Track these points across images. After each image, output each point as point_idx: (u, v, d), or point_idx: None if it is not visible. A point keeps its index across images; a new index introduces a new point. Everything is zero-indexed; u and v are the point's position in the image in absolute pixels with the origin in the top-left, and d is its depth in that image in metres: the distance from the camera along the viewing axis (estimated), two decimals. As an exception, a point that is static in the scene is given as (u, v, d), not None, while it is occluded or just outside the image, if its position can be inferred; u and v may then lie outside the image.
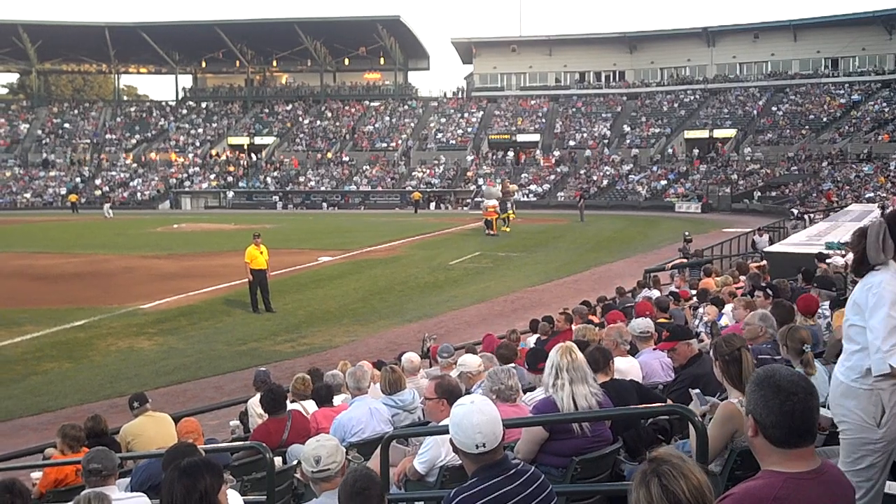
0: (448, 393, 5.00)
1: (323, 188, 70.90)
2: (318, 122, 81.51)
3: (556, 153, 71.77)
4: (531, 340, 12.03)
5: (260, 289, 20.63)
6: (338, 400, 8.03)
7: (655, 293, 14.54)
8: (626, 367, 6.81)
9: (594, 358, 5.66)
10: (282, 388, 7.83)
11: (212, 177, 73.88)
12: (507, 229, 41.52)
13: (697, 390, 4.98)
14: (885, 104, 64.52)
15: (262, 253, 20.73)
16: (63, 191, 71.60)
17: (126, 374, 14.68)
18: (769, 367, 2.62)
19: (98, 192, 70.12)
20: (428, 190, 68.32)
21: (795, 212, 44.41)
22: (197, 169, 75.22)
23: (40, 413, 12.58)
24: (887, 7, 67.35)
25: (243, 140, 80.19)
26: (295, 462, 5.96)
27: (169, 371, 14.89)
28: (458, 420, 3.36)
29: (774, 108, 70.42)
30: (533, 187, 66.97)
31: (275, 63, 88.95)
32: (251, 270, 20.57)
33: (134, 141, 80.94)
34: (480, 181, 63.88)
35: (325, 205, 68.24)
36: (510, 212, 43.34)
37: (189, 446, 4.68)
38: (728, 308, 10.03)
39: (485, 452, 3.32)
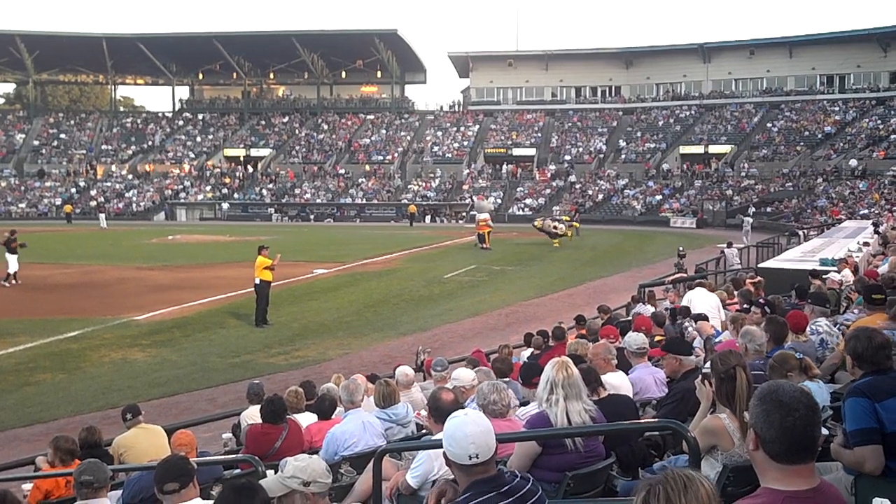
0: (435, 409, 4.99)
1: (319, 200, 70.95)
2: (315, 135, 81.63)
3: (552, 167, 71.94)
4: (525, 354, 12.02)
5: (259, 299, 20.24)
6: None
7: (650, 308, 14.53)
8: (618, 383, 6.78)
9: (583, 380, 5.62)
10: (282, 400, 7.75)
11: (207, 188, 73.90)
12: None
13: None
14: (879, 121, 64.87)
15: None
16: (58, 201, 71.57)
17: (119, 385, 14.60)
18: (774, 382, 2.61)
19: (93, 203, 70.06)
20: (424, 203, 68.44)
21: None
22: (192, 180, 75.28)
23: (33, 424, 12.49)
24: (882, 25, 68.04)
25: (239, 152, 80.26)
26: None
27: (162, 383, 14.81)
28: (452, 431, 3.30)
29: (769, 125, 70.68)
30: (528, 201, 67.09)
31: (272, 75, 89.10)
32: (263, 281, 20.23)
33: (130, 152, 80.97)
34: (474, 196, 63.97)
35: (313, 217, 68.29)
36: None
37: (181, 459, 4.66)
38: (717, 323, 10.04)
39: (478, 464, 3.26)
